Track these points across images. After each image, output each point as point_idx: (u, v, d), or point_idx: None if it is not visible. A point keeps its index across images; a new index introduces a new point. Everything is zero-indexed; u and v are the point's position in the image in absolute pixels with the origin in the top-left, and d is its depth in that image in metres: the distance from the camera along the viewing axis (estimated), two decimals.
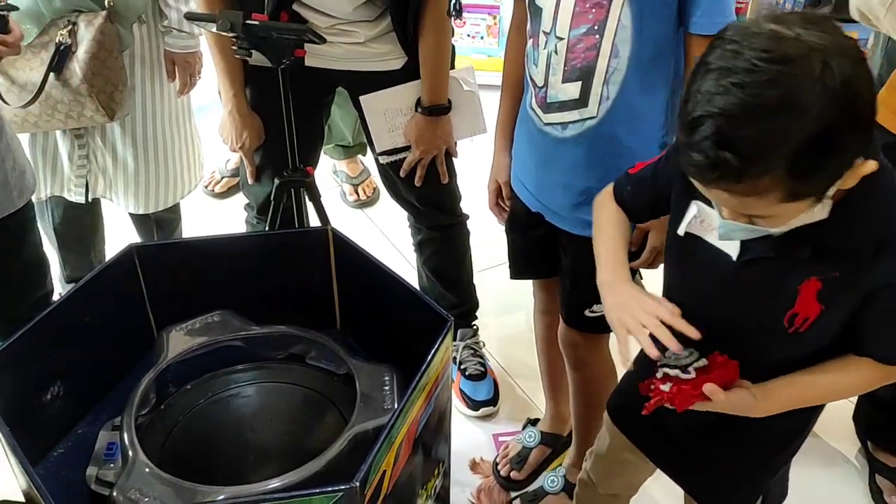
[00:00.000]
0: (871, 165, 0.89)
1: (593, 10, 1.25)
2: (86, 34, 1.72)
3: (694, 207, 1.06)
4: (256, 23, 1.37)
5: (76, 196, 1.96)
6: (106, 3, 1.73)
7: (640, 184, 1.18)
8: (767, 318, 1.03)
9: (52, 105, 1.76)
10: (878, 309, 0.99)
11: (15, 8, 1.45)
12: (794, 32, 0.82)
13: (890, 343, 1.03)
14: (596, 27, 1.26)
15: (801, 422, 1.17)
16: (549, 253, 1.53)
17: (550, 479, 1.76)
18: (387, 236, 2.57)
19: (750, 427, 1.08)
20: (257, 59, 1.53)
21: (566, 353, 1.63)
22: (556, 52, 1.30)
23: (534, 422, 1.90)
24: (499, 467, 1.84)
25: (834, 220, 0.93)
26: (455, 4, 1.67)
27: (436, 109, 1.73)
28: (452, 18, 1.68)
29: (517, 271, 1.66)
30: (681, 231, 1.08)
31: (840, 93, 0.80)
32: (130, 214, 2.11)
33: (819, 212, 0.92)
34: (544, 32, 1.32)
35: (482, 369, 2.04)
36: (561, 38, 1.29)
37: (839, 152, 0.84)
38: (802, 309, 1.00)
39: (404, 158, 1.80)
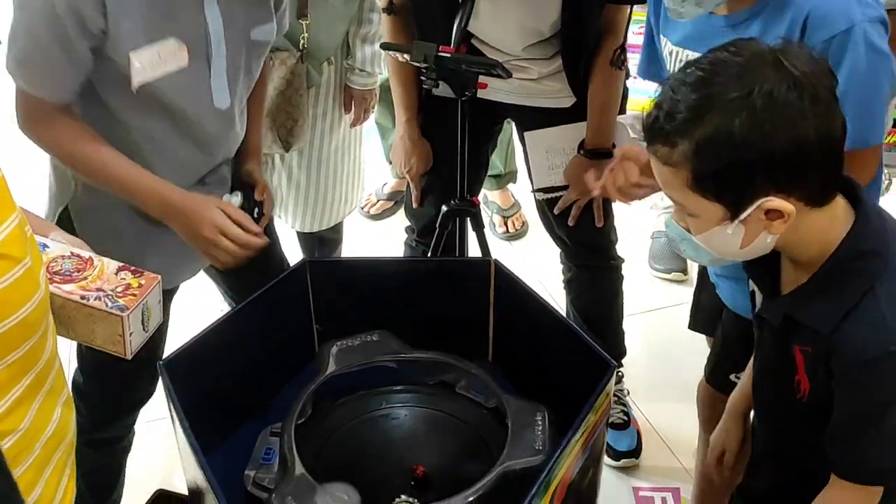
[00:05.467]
0: (786, 208, 0.90)
1: None
2: (277, 72, 1.79)
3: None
4: (448, 55, 1.41)
5: None
6: (301, 45, 1.81)
7: None
8: (781, 382, 1.03)
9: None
10: (838, 405, 0.95)
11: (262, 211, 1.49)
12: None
13: (843, 449, 0.94)
14: None
15: None
16: None
17: None
18: (532, 270, 2.56)
19: None
20: (440, 89, 1.56)
21: (700, 411, 1.60)
22: None
23: None
24: None
25: (801, 290, 0.97)
26: (619, 55, 1.65)
27: (598, 153, 1.70)
28: (615, 69, 1.66)
29: (696, 324, 1.67)
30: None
31: (760, 115, 0.87)
32: (297, 232, 2.20)
33: (733, 238, 0.95)
34: None
35: (625, 418, 1.99)
36: None
37: (740, 163, 0.89)
38: (801, 375, 0.99)
39: (560, 197, 1.78)
